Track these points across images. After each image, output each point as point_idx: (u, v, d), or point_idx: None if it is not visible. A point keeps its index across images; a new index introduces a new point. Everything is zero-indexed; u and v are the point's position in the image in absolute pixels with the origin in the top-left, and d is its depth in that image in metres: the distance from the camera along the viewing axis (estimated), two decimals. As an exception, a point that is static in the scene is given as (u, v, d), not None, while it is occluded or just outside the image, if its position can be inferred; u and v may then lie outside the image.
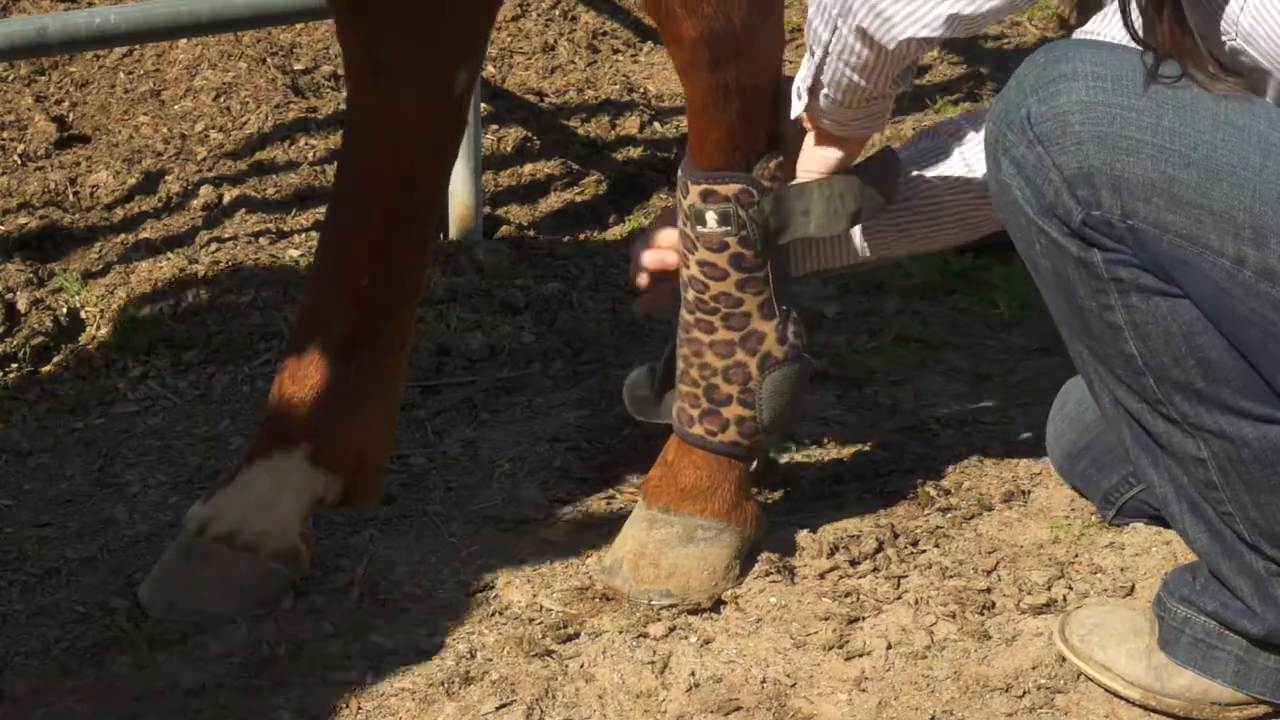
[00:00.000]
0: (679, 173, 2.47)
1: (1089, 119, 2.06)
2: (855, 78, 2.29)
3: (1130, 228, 2.07)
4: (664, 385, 2.63)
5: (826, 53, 2.28)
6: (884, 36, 2.21)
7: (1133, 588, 2.56)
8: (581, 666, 2.39)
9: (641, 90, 4.61)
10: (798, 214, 2.43)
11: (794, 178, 2.47)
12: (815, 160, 2.45)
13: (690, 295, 2.49)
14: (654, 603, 2.52)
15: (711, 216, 2.42)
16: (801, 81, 2.36)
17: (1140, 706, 2.32)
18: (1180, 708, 2.30)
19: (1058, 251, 2.13)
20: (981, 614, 2.50)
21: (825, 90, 2.33)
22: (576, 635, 2.46)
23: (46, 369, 3.26)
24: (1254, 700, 2.28)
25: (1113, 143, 2.06)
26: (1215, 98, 2.05)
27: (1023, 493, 2.82)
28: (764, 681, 2.37)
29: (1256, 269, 2.04)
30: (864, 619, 2.49)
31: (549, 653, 2.42)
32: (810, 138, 2.45)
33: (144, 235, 3.73)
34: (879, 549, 2.64)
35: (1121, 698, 2.33)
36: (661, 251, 2.60)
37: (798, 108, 2.38)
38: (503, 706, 2.31)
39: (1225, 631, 2.26)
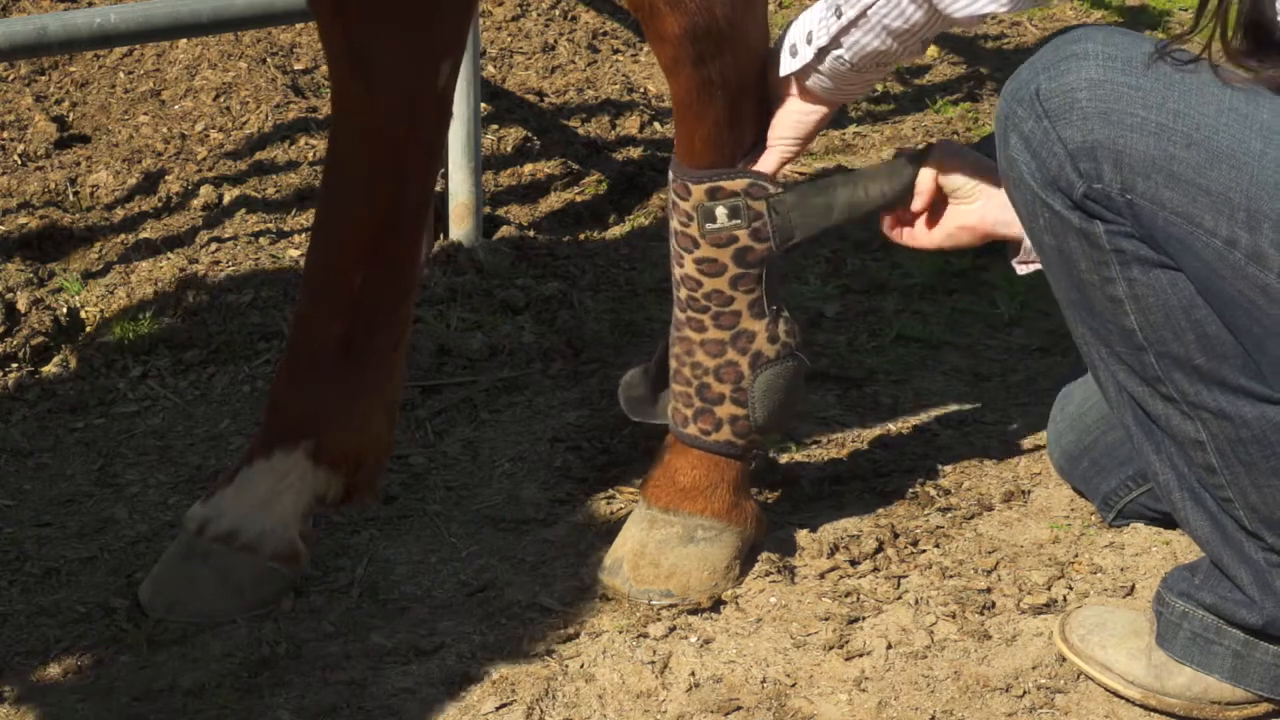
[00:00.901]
0: (670, 174, 2.47)
1: (1096, 95, 2.09)
2: (890, 42, 2.29)
3: (1129, 202, 2.10)
4: (658, 385, 2.63)
5: (864, 15, 2.27)
6: (951, 6, 2.23)
7: (1133, 588, 2.56)
8: (581, 666, 2.39)
9: (641, 90, 4.61)
10: (821, 208, 2.44)
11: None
12: (791, 126, 2.43)
13: (682, 294, 2.49)
14: (654, 603, 2.52)
15: (722, 212, 2.42)
16: (802, 38, 2.34)
17: (1140, 706, 2.32)
18: (1180, 707, 2.30)
19: (1060, 225, 2.15)
20: (981, 614, 2.50)
21: (840, 52, 2.32)
22: (576, 635, 2.46)
23: (46, 369, 3.26)
24: (1254, 699, 2.29)
25: (1117, 119, 2.08)
26: (1222, 85, 2.08)
27: (1023, 493, 2.82)
28: (764, 681, 2.37)
29: (1248, 252, 2.06)
30: (864, 619, 2.49)
31: (549, 653, 2.42)
32: (789, 101, 2.42)
33: (144, 235, 3.73)
34: (879, 549, 2.64)
35: (1122, 697, 2.33)
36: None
37: (792, 65, 2.37)
38: (503, 706, 2.31)
39: (1223, 626, 2.26)
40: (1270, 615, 2.22)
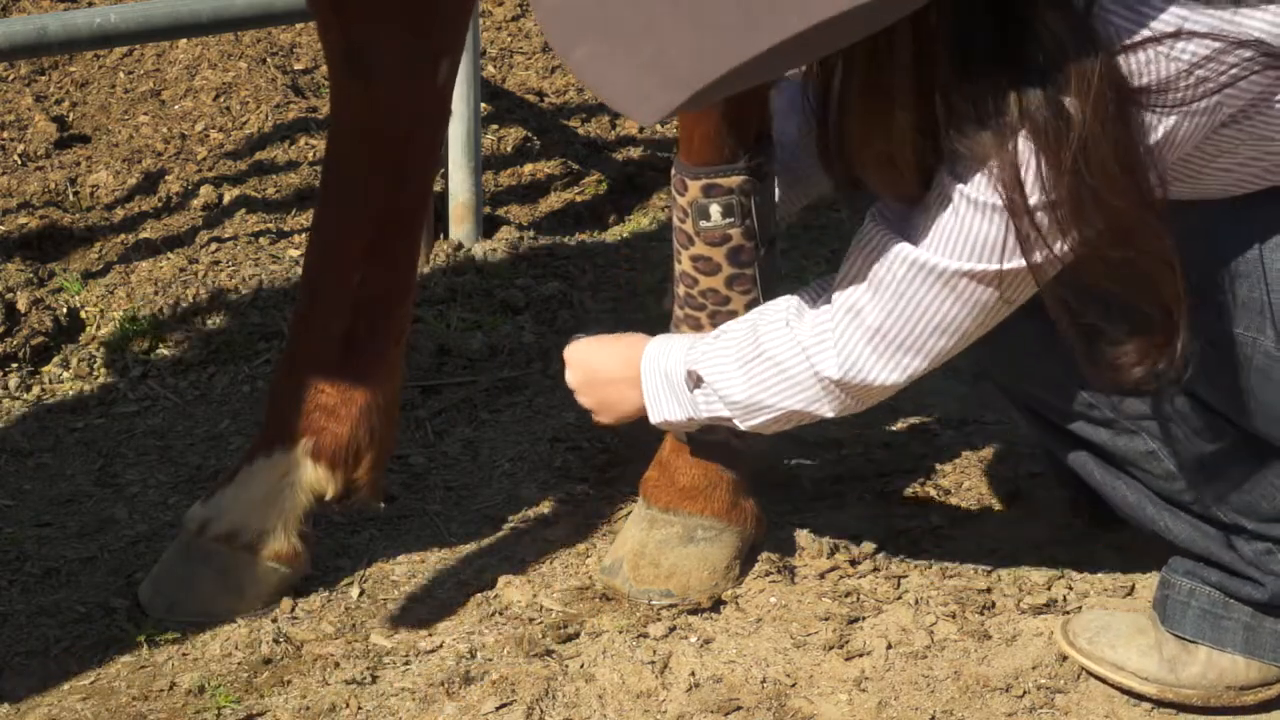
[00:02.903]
0: (673, 170, 2.47)
1: None
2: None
3: None
4: None
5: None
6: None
7: (1133, 588, 2.56)
8: (581, 666, 2.39)
9: (641, 90, 4.61)
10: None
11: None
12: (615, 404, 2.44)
13: (680, 290, 2.49)
14: (654, 603, 2.52)
15: (716, 210, 2.42)
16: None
17: (1155, 701, 2.32)
18: (1197, 697, 2.31)
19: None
20: (981, 614, 2.50)
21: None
22: (576, 635, 2.46)
23: (46, 369, 3.26)
24: (1268, 681, 2.30)
25: None
26: None
27: (1023, 493, 2.82)
28: (764, 681, 2.37)
29: None
30: (864, 619, 2.49)
31: (549, 653, 2.42)
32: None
33: (144, 235, 3.74)
34: (879, 549, 2.64)
35: (1137, 695, 2.33)
36: None
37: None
38: (503, 706, 2.31)
39: (1231, 600, 2.27)
40: (1275, 590, 2.24)
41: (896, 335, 2.09)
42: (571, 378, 2.47)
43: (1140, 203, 1.91)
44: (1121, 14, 1.86)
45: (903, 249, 2.04)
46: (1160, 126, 1.90)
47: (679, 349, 2.32)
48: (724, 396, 2.25)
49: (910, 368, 2.12)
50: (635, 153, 4.24)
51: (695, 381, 2.29)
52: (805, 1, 1.68)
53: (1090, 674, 2.37)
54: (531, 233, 3.84)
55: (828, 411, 2.21)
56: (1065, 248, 1.94)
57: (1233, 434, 2.20)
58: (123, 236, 3.74)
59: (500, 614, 2.52)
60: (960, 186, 1.96)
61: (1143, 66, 1.87)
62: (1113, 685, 2.34)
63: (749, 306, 2.47)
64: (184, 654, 2.44)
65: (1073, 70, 1.84)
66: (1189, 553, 2.29)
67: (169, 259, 3.60)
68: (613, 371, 2.41)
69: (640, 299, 3.51)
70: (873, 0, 1.68)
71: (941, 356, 2.12)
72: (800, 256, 3.64)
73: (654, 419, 2.36)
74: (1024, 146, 1.88)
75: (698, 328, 2.48)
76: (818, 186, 2.64)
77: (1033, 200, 1.91)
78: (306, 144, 4.12)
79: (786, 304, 2.23)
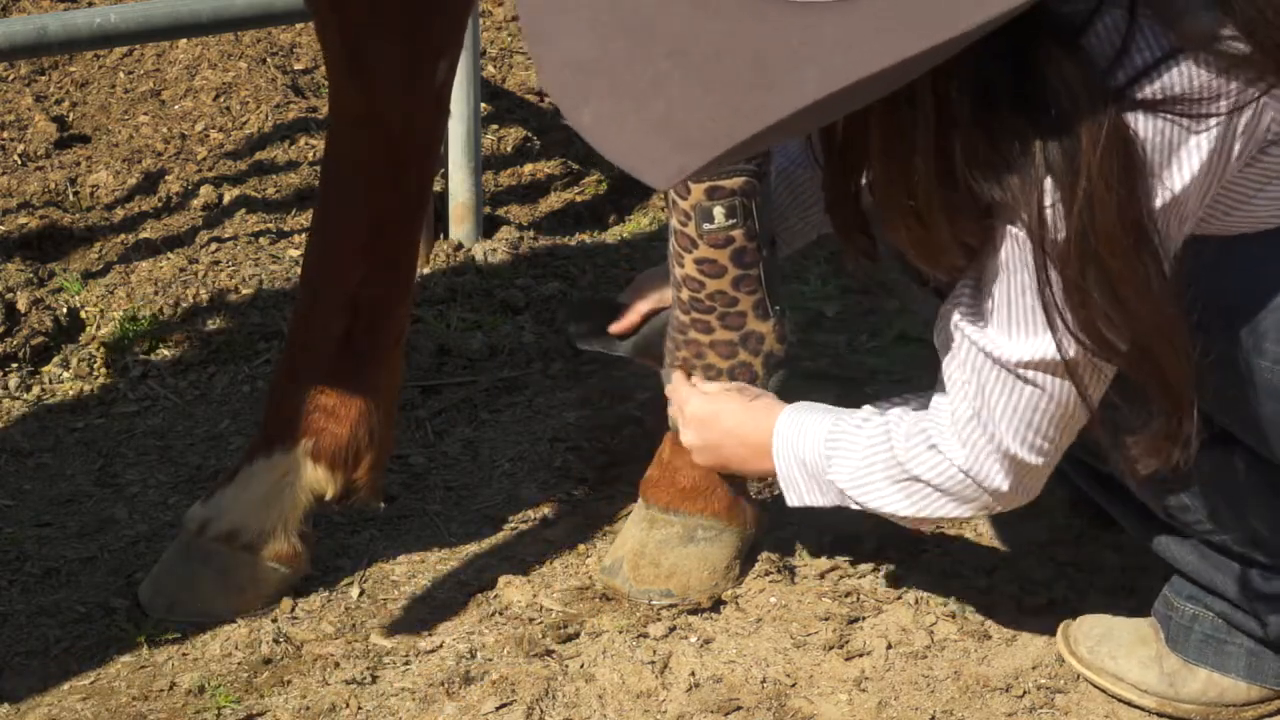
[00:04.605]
0: None
1: None
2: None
3: None
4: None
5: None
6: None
7: (1133, 588, 2.56)
8: (581, 666, 2.39)
9: (641, 90, 4.61)
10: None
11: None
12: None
13: (685, 295, 2.48)
14: (654, 602, 2.52)
15: (719, 211, 2.42)
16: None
17: (1155, 714, 2.32)
18: (1196, 712, 2.30)
19: None
20: (981, 614, 2.50)
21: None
22: (576, 635, 2.46)
23: (46, 369, 3.26)
24: (1267, 698, 2.29)
25: None
26: None
27: (1023, 493, 2.82)
28: (764, 681, 2.37)
29: None
30: (864, 619, 2.48)
31: (549, 653, 2.42)
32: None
33: (144, 235, 3.74)
34: (879, 549, 2.64)
35: (1137, 707, 2.32)
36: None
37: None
38: (503, 706, 2.31)
39: (1234, 627, 2.26)
40: (1278, 630, 2.22)
41: (1030, 437, 2.05)
42: (692, 436, 2.45)
43: (1142, 269, 1.84)
44: (1154, 29, 1.80)
45: (987, 350, 2.01)
46: (1203, 144, 1.83)
47: (814, 436, 2.28)
48: (883, 511, 2.22)
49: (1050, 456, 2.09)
50: (635, 153, 4.23)
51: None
52: (823, 64, 1.60)
53: (1089, 683, 2.37)
54: (531, 233, 3.84)
55: (984, 514, 2.20)
56: (1077, 318, 1.87)
57: (1250, 470, 2.18)
58: (123, 236, 3.74)
59: (500, 614, 2.52)
60: (1003, 251, 1.90)
61: (1178, 76, 1.81)
62: (1111, 696, 2.34)
63: (756, 307, 2.47)
64: (184, 654, 2.44)
65: (1084, 121, 1.78)
66: (1195, 580, 2.28)
67: (169, 259, 3.60)
68: (742, 436, 2.39)
69: (640, 299, 3.51)
70: (895, 64, 1.60)
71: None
72: (800, 256, 3.63)
73: (793, 503, 2.34)
74: (1049, 194, 1.81)
75: (708, 331, 2.48)
76: (804, 238, 2.62)
77: (1051, 250, 1.84)
78: (306, 144, 4.12)
79: (913, 424, 2.20)
